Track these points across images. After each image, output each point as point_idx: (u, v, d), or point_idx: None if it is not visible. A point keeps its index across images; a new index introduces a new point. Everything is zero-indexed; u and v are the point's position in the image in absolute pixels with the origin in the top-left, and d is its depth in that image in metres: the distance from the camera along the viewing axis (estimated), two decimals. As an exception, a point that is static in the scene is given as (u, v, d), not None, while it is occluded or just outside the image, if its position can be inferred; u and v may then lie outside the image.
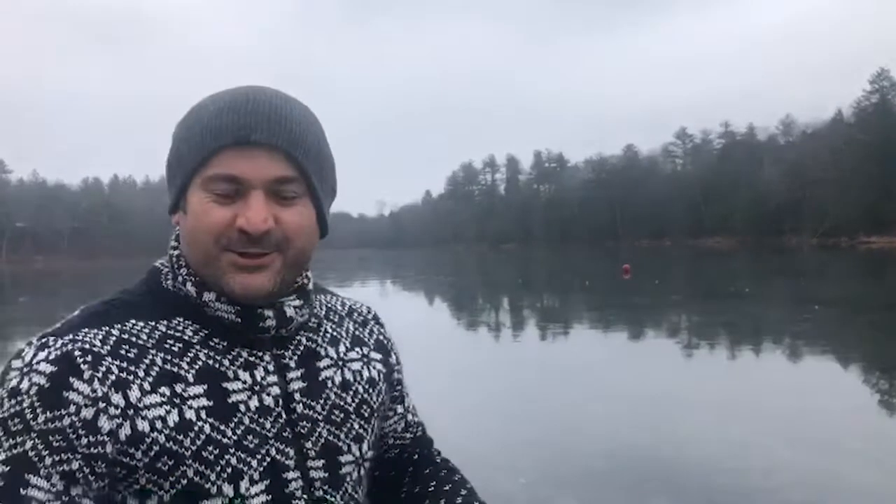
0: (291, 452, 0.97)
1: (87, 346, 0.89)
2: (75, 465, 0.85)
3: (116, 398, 0.88)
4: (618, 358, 12.14)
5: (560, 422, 7.76)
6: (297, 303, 1.02)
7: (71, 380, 0.86)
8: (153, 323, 0.96)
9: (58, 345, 0.89)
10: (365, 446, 1.07)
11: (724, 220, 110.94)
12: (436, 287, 34.08)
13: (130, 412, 0.88)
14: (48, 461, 0.84)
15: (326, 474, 1.00)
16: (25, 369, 0.87)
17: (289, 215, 0.94)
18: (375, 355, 1.16)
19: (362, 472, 1.07)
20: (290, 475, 0.96)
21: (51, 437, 0.84)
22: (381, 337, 1.21)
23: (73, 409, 0.85)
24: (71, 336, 0.90)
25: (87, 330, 0.92)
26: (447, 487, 1.14)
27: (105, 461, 0.87)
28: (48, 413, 0.85)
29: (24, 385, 0.86)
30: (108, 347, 0.91)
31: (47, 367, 0.87)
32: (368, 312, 1.23)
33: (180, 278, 0.99)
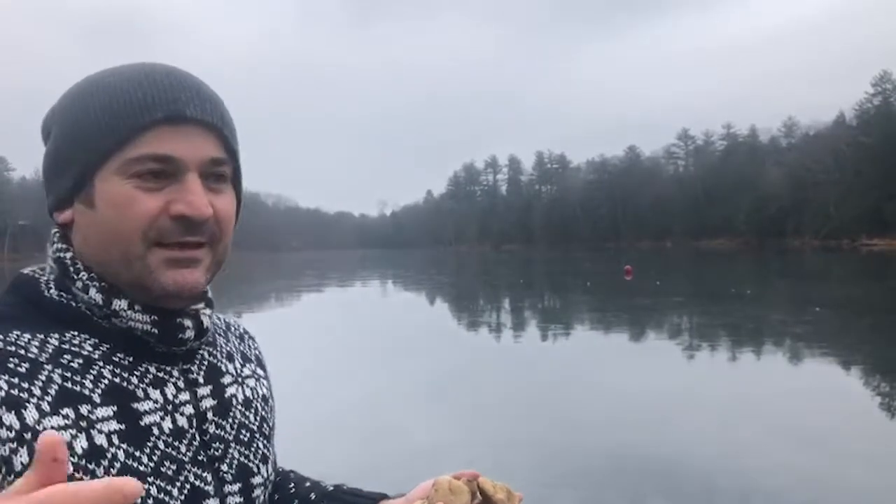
0: (209, 477, 0.87)
1: None
2: None
3: (9, 419, 0.73)
4: (619, 359, 12.13)
5: (560, 421, 7.76)
6: (208, 311, 0.92)
7: None
8: (42, 336, 0.80)
9: None
10: (270, 467, 1.00)
11: (726, 222, 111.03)
12: (437, 287, 34.10)
13: (27, 436, 0.73)
14: None
15: (242, 500, 0.91)
16: None
17: (221, 203, 0.85)
18: (261, 372, 1.07)
19: (267, 494, 0.99)
20: (211, 502, 0.87)
21: None
22: (258, 353, 1.10)
23: None
24: None
25: None
26: (309, 483, 1.12)
27: None
28: None
29: None
30: None
31: None
32: (240, 327, 1.12)
33: (80, 283, 0.84)
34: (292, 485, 1.12)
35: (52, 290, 0.85)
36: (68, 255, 0.86)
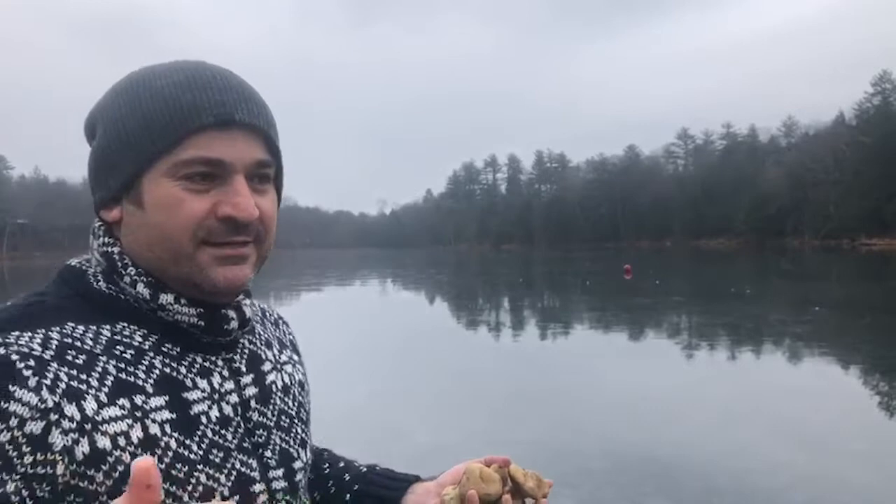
0: (254, 464, 0.90)
1: (26, 350, 0.76)
2: (10, 487, 0.71)
3: (70, 410, 0.75)
4: (618, 358, 12.13)
5: (559, 421, 7.75)
6: (248, 301, 0.95)
7: (11, 388, 0.72)
8: (94, 327, 0.83)
9: None
10: (308, 451, 1.02)
11: (726, 221, 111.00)
12: (436, 286, 34.09)
13: (88, 426, 0.75)
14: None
15: (286, 484, 0.94)
16: None
17: (265, 204, 0.87)
18: (296, 357, 1.10)
19: (307, 478, 1.01)
20: (257, 487, 0.89)
21: None
22: (293, 338, 1.14)
23: (14, 422, 0.72)
24: (1, 339, 0.76)
25: (18, 332, 0.78)
26: (342, 464, 1.16)
27: (52, 483, 0.73)
28: None
29: None
30: (52, 352, 0.77)
31: None
32: (275, 313, 1.14)
33: (128, 279, 0.86)
34: (327, 465, 1.15)
35: (100, 283, 0.87)
36: (115, 249, 0.88)
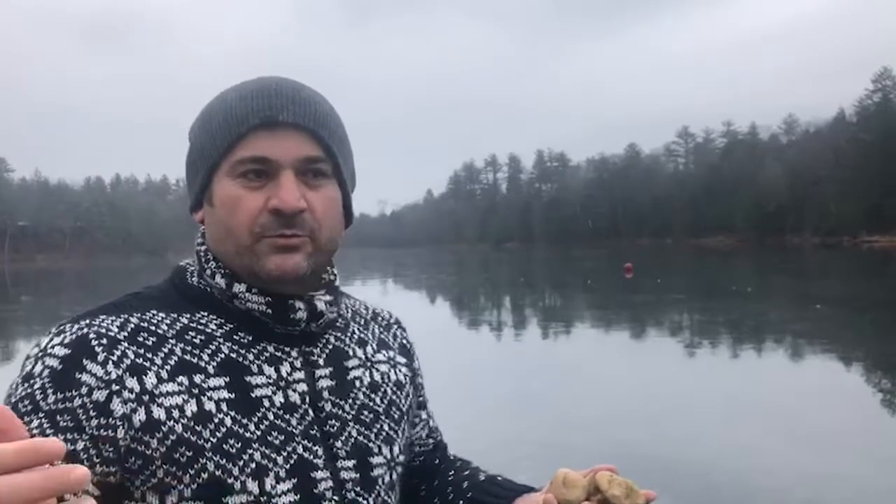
0: (320, 451, 0.94)
1: (103, 330, 0.88)
2: (80, 446, 0.82)
3: (131, 382, 0.85)
4: (619, 356, 12.13)
5: (560, 420, 7.76)
6: (327, 298, 1.00)
7: (84, 361, 0.85)
8: (175, 315, 0.94)
9: (73, 329, 0.88)
10: (396, 449, 1.04)
11: (726, 219, 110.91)
12: (438, 286, 34.08)
13: (146, 398, 0.85)
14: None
15: (357, 475, 0.96)
16: (40, 354, 0.86)
17: (318, 198, 0.93)
18: (400, 359, 1.14)
19: (394, 475, 1.03)
20: (319, 475, 0.92)
21: (58, 417, 0.82)
22: (405, 341, 1.19)
23: (84, 390, 0.83)
24: (87, 321, 0.89)
25: (104, 317, 0.90)
26: (467, 472, 1.16)
27: (114, 445, 0.84)
28: (58, 394, 0.83)
29: (38, 369, 0.85)
30: (126, 333, 0.89)
31: (61, 350, 0.85)
32: (391, 317, 1.21)
33: (209, 271, 0.97)
34: (452, 472, 1.17)
35: (194, 278, 0.99)
36: (202, 248, 0.99)
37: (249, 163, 0.90)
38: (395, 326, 1.20)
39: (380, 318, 1.17)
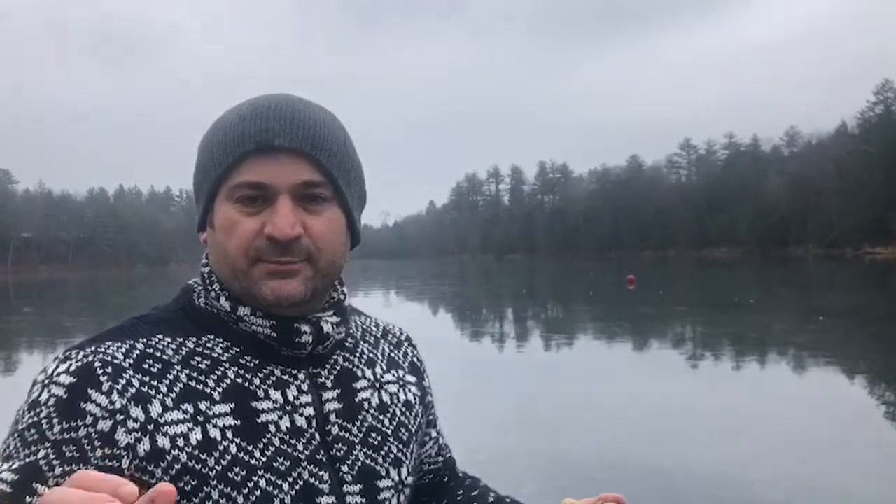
0: (326, 476, 0.92)
1: (109, 357, 0.86)
2: None
3: (136, 412, 0.84)
4: (621, 369, 12.11)
5: (562, 432, 7.74)
6: (334, 319, 0.98)
7: (89, 391, 0.83)
8: (181, 339, 0.93)
9: (79, 357, 0.86)
10: (404, 471, 1.02)
11: (729, 231, 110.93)
12: (440, 297, 34.07)
13: (150, 427, 0.84)
14: (58, 471, 0.79)
15: (364, 500, 0.95)
16: (47, 381, 0.85)
17: (317, 223, 0.92)
18: (410, 378, 1.13)
19: (402, 498, 1.02)
20: (325, 500, 0.91)
21: (64, 448, 0.80)
22: (415, 359, 1.18)
23: (89, 420, 0.82)
24: (93, 348, 0.87)
25: (110, 343, 0.89)
26: (476, 492, 1.17)
27: (120, 476, 0.77)
28: (63, 424, 0.81)
29: (44, 397, 0.83)
30: (131, 361, 0.88)
31: (67, 379, 0.84)
32: (401, 334, 1.20)
33: (213, 293, 0.96)
34: (461, 492, 1.19)
35: (200, 299, 0.97)
36: (206, 269, 0.98)
37: (245, 188, 0.89)
38: (406, 344, 1.19)
39: (390, 336, 1.16)
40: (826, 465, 6.41)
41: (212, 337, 0.94)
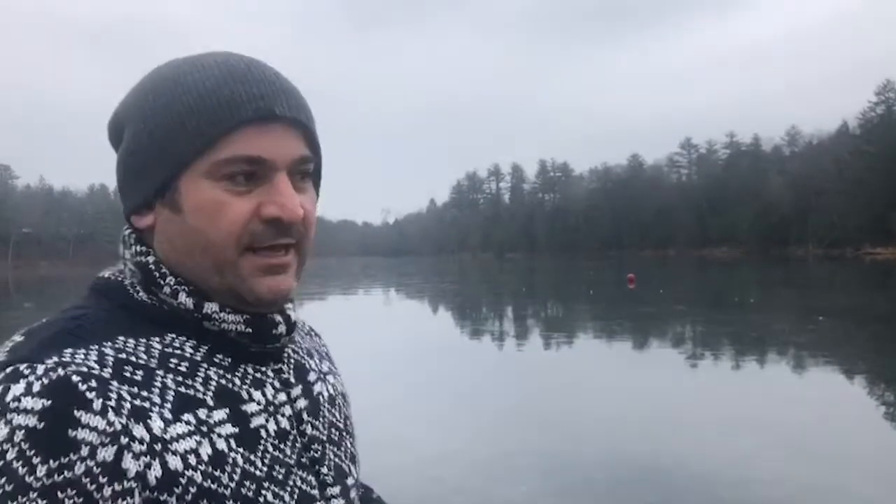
0: (313, 481, 0.84)
1: (85, 368, 0.69)
2: None
3: (139, 431, 0.70)
4: (621, 368, 12.13)
5: (561, 431, 7.75)
6: (291, 306, 0.88)
7: (77, 414, 0.66)
8: (145, 340, 0.77)
9: (40, 371, 0.67)
10: (358, 466, 0.96)
11: (729, 231, 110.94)
12: (441, 296, 34.10)
13: (158, 447, 0.70)
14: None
15: (343, 502, 0.88)
16: None
17: (307, 202, 0.82)
18: (334, 368, 1.03)
19: (357, 496, 0.94)
20: None
21: (60, 494, 0.64)
22: (327, 350, 1.07)
23: (85, 451, 0.66)
24: (56, 359, 0.69)
25: (71, 350, 0.71)
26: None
27: None
28: (51, 462, 0.64)
29: (2, 432, 0.65)
30: (109, 370, 0.71)
31: (35, 403, 0.66)
32: (305, 325, 1.07)
33: (168, 289, 0.80)
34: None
35: (140, 294, 0.81)
36: (150, 259, 0.82)
37: (241, 163, 0.76)
38: (314, 334, 1.08)
39: (302, 326, 1.03)
40: (825, 465, 6.42)
41: (174, 336, 0.79)
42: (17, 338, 0.74)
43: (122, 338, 0.76)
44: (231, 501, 0.74)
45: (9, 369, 0.68)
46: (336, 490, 0.87)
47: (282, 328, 0.84)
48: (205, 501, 0.72)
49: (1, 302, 36.62)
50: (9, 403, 0.65)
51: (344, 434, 0.94)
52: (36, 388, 0.66)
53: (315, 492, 0.83)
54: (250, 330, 0.81)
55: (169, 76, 0.80)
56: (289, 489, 0.80)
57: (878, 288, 32.38)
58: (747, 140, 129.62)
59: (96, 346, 0.73)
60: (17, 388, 0.66)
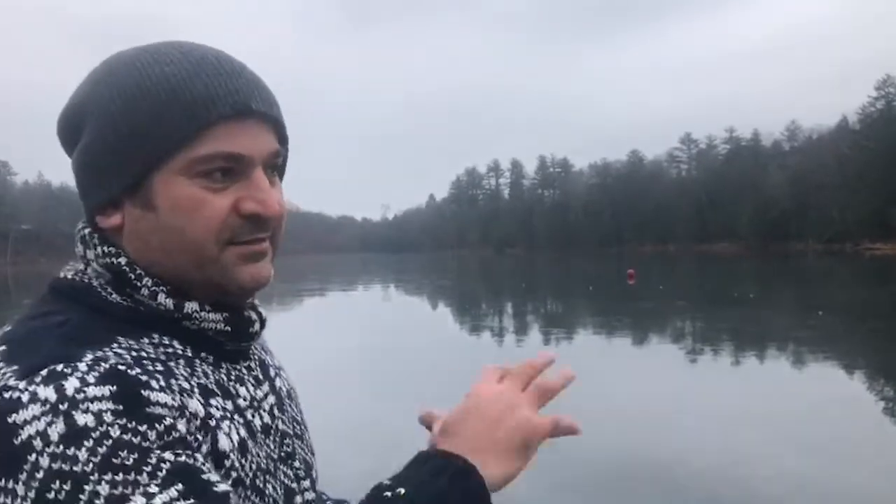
0: (291, 474, 0.85)
1: (122, 360, 0.69)
2: (218, 476, 0.69)
3: (193, 405, 0.71)
4: (620, 363, 12.11)
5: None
6: (257, 302, 0.89)
7: (144, 393, 0.66)
8: (133, 341, 0.74)
9: (84, 368, 0.66)
10: (316, 460, 0.96)
11: (729, 226, 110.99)
12: (439, 292, 34.09)
13: (212, 423, 0.73)
14: (200, 461, 0.67)
15: (313, 495, 0.89)
16: (64, 407, 0.63)
17: (279, 195, 0.81)
18: (281, 363, 1.02)
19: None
20: (297, 500, 0.85)
21: (179, 449, 0.66)
22: (267, 344, 1.04)
23: (168, 422, 0.66)
24: (91, 356, 0.68)
25: (90, 350, 0.69)
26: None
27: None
28: (157, 426, 0.65)
29: (86, 420, 0.63)
30: (131, 361, 0.71)
31: (101, 390, 0.65)
32: None
33: (146, 291, 0.77)
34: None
35: (113, 296, 0.78)
36: (122, 260, 0.78)
37: (218, 160, 0.75)
38: None
39: None
40: (825, 460, 6.42)
41: (157, 336, 0.77)
42: (4, 347, 0.70)
43: (120, 338, 0.73)
44: (248, 491, 0.75)
45: (44, 372, 0.65)
46: (307, 483, 0.88)
47: (257, 325, 0.85)
48: (240, 489, 0.73)
49: (0, 298, 36.57)
50: (73, 396, 0.63)
51: (304, 427, 0.94)
52: (91, 379, 0.65)
53: (294, 485, 0.85)
54: (229, 328, 0.81)
55: (137, 66, 0.76)
56: (277, 482, 0.81)
57: (878, 283, 32.37)
58: (747, 135, 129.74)
59: (106, 347, 0.71)
60: (73, 383, 0.64)
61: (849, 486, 5.77)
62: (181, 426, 0.68)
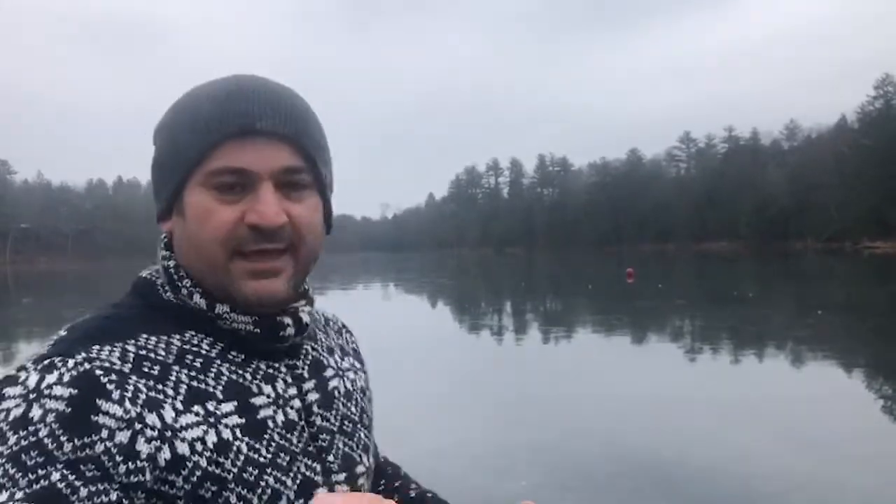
0: (318, 468, 0.92)
1: (107, 364, 0.80)
2: (114, 497, 0.74)
3: (152, 418, 0.79)
4: (620, 362, 12.12)
5: (561, 425, 7.75)
6: (308, 308, 0.97)
7: (98, 402, 0.76)
8: (166, 337, 0.87)
9: (70, 365, 0.78)
10: (371, 457, 1.05)
11: (728, 225, 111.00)
12: (439, 290, 34.08)
13: (168, 434, 0.80)
14: (83, 492, 0.72)
15: (348, 488, 0.96)
16: (32, 395, 0.76)
17: (299, 210, 0.88)
18: (358, 364, 1.13)
19: (370, 483, 1.04)
20: (320, 491, 0.91)
21: (82, 467, 0.73)
22: (355, 346, 1.18)
23: (105, 433, 0.75)
24: (84, 354, 0.80)
25: (98, 347, 0.82)
26: (398, 483, 1.20)
27: (144, 490, 0.77)
28: (75, 441, 0.74)
29: (36, 413, 0.74)
30: (129, 365, 0.82)
31: (64, 391, 0.76)
32: (339, 321, 1.19)
33: (185, 290, 0.90)
34: (382, 481, 1.21)
35: (167, 294, 0.91)
36: (171, 262, 0.91)
37: (225, 174, 0.85)
38: (345, 331, 1.18)
39: (331, 323, 1.15)
40: (823, 458, 6.42)
41: (193, 333, 0.89)
42: (62, 332, 0.84)
43: (145, 335, 0.86)
44: (233, 484, 0.82)
45: (46, 361, 0.78)
46: (341, 477, 0.95)
47: (290, 329, 0.92)
48: (208, 483, 0.81)
49: (0, 297, 36.55)
50: (43, 390, 0.75)
51: (358, 426, 1.02)
52: (66, 378, 0.76)
53: (319, 478, 0.91)
54: (258, 330, 0.90)
55: (186, 95, 0.91)
56: (292, 475, 0.88)
57: (877, 282, 32.38)
58: (746, 134, 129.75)
59: (120, 344, 0.83)
60: (51, 378, 0.76)
61: (848, 483, 5.78)
62: (122, 436, 0.76)
